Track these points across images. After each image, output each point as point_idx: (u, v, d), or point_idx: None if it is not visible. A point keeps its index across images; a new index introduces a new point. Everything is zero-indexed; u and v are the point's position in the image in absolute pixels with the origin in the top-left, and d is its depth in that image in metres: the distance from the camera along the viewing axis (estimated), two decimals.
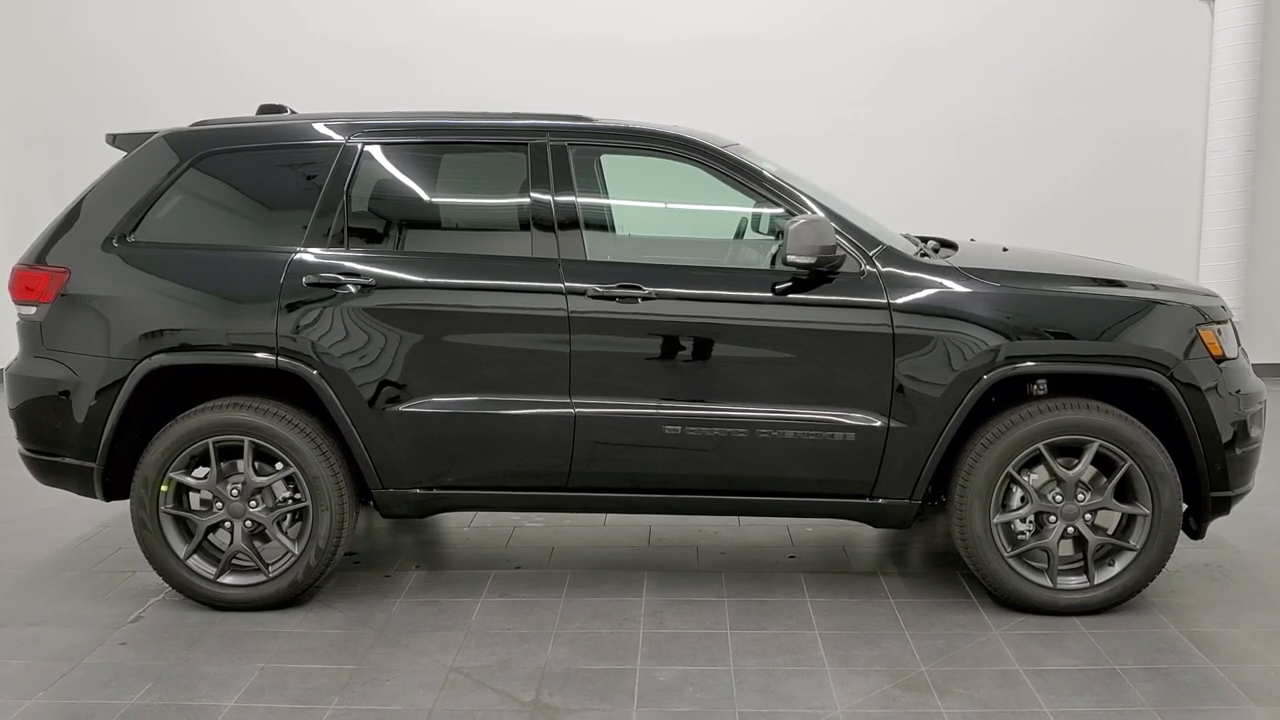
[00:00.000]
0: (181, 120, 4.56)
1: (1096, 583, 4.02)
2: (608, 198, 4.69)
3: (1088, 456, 3.95)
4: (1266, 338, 8.58)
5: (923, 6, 8.65)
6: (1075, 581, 4.05)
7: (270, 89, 7.27)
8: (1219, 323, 4.08)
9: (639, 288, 4.00)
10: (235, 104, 5.58)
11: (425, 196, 4.44)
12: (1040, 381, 4.05)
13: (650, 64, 8.66)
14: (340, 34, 8.75)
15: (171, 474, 4.08)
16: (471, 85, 8.55)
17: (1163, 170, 8.75)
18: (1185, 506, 4.06)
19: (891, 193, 8.22)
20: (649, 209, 5.05)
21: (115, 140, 4.47)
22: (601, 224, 4.57)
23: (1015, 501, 4.04)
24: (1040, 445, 3.94)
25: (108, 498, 4.23)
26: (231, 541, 4.13)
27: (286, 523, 4.16)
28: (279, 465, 4.10)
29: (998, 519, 4.00)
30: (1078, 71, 8.64)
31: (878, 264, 4.02)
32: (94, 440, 4.12)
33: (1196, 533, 4.15)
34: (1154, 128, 8.70)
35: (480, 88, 8.47)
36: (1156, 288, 4.12)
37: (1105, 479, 3.99)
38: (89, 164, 5.46)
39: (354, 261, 4.08)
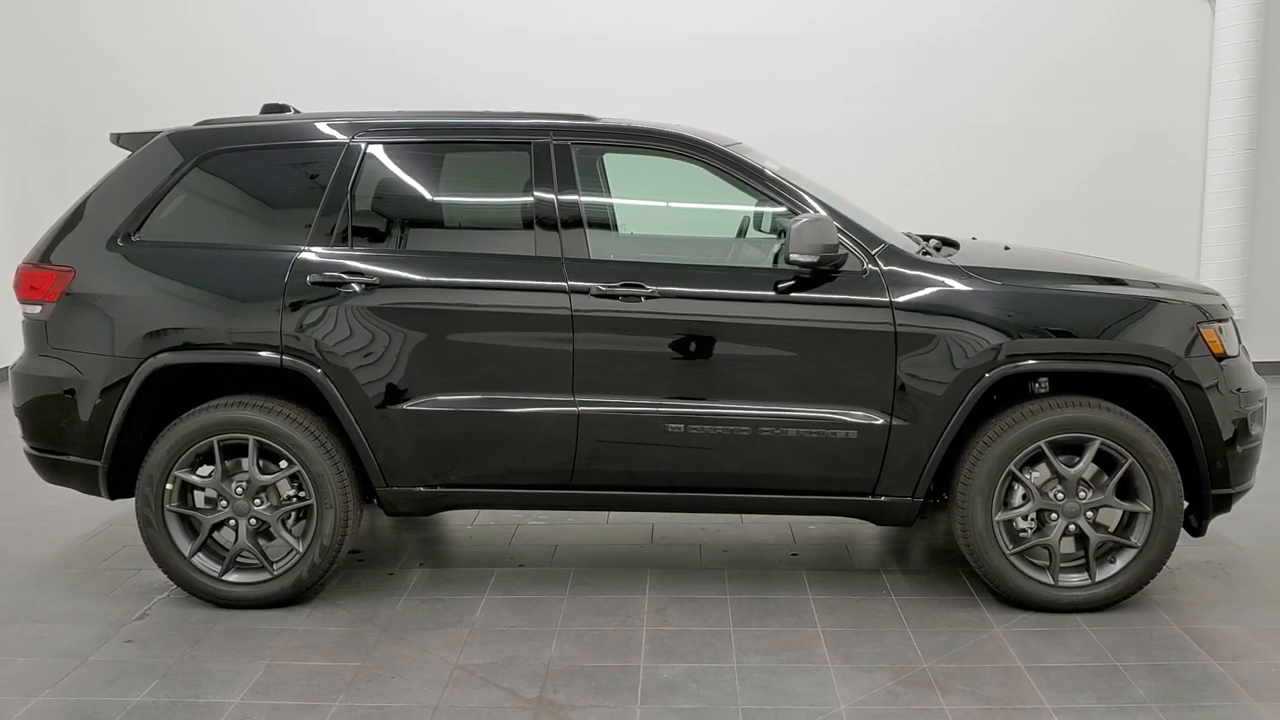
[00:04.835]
0: (185, 119, 4.57)
1: (1098, 580, 4.04)
2: (611, 197, 4.70)
3: (1089, 454, 3.96)
4: (1267, 335, 8.58)
5: (924, 4, 8.65)
6: (1077, 579, 4.06)
7: (274, 87, 7.30)
8: (1220, 321, 4.09)
9: (642, 286, 4.01)
10: (239, 103, 5.59)
11: (429, 195, 4.45)
12: (1042, 379, 4.06)
13: (653, 61, 8.66)
14: (343, 32, 8.76)
15: (176, 472, 4.10)
16: (475, 83, 8.57)
17: (1164, 168, 8.76)
18: (1186, 504, 4.07)
19: (893, 189, 8.24)
20: (652, 208, 5.06)
21: (119, 140, 4.48)
22: (604, 223, 4.58)
23: (1017, 499, 4.05)
24: (1042, 443, 3.96)
25: (113, 496, 4.25)
26: (236, 539, 4.15)
27: (291, 521, 4.17)
28: (283, 463, 4.11)
29: (999, 516, 4.01)
30: (1079, 69, 8.64)
31: (880, 262, 4.04)
32: (99, 438, 4.13)
33: (1198, 530, 4.16)
34: (1155, 125, 8.71)
35: (484, 85, 8.49)
36: (1158, 286, 4.13)
37: (1106, 476, 4.00)
38: (92, 163, 5.49)
39: (358, 260, 4.09)
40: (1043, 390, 4.07)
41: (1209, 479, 4.02)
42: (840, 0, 8.68)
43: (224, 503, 4.13)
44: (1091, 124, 8.68)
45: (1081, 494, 4.00)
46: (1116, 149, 8.72)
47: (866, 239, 4.09)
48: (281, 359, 4.06)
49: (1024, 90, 8.67)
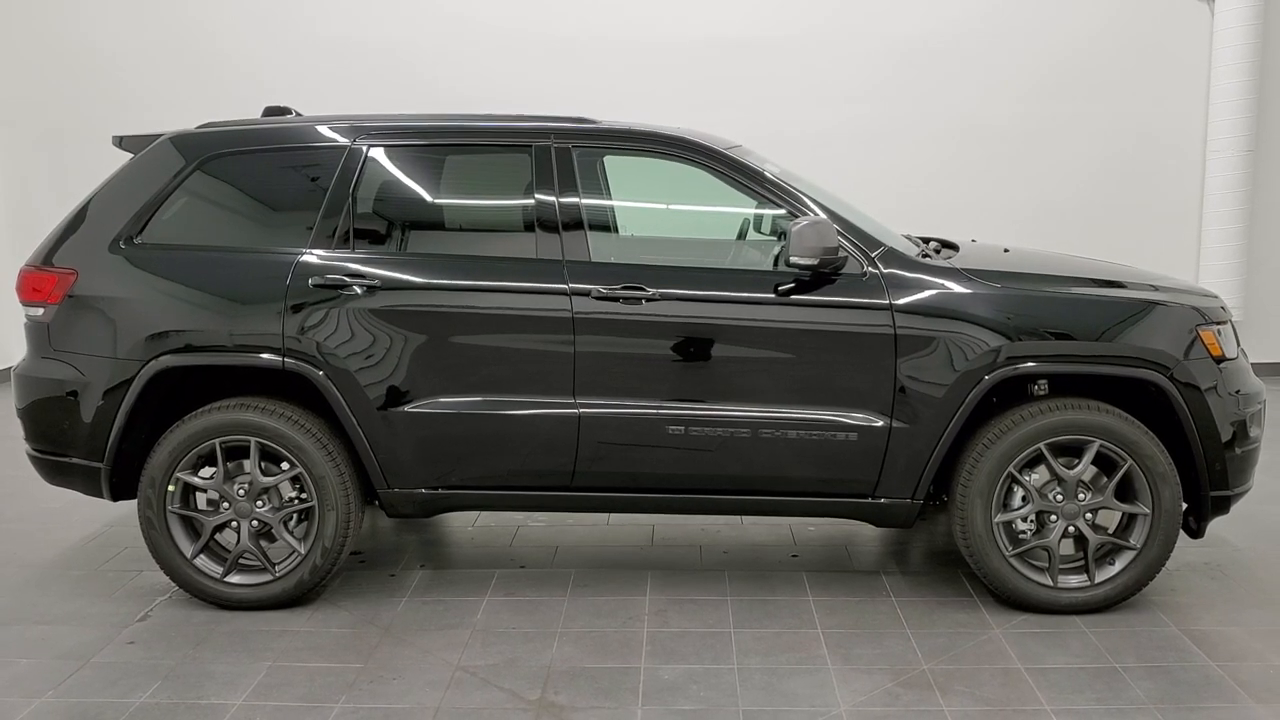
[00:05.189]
0: (187, 121, 4.58)
1: (1097, 581, 4.05)
2: (611, 199, 4.71)
3: (1088, 456, 3.98)
4: (1266, 338, 8.60)
5: (924, 5, 8.66)
6: (1076, 580, 4.07)
7: (274, 88, 7.31)
8: (1219, 323, 4.10)
9: (643, 289, 4.02)
10: (240, 103, 5.61)
11: (430, 198, 4.46)
12: (1041, 382, 4.08)
13: (653, 61, 8.68)
14: (344, 32, 8.76)
15: (178, 474, 4.11)
16: (475, 83, 8.58)
17: (1163, 170, 8.76)
18: (1185, 505, 4.08)
19: (893, 189, 8.26)
20: (652, 210, 5.07)
21: (121, 142, 4.49)
22: (605, 225, 4.59)
23: (1016, 501, 4.07)
24: (1041, 445, 3.97)
25: (115, 498, 4.26)
26: (238, 541, 4.16)
27: (293, 522, 4.18)
28: (285, 465, 4.12)
29: (999, 518, 4.03)
30: (1079, 69, 8.65)
31: (879, 265, 4.05)
32: (101, 440, 4.15)
33: (1196, 532, 4.17)
34: (1154, 127, 8.71)
35: (484, 85, 8.50)
36: (1156, 288, 4.14)
37: (1106, 478, 4.02)
38: (92, 163, 5.50)
39: (359, 263, 4.11)
40: (1042, 392, 4.08)
41: (1208, 481, 4.03)
42: (840, 0, 8.69)
43: (226, 504, 4.14)
44: (1091, 124, 8.70)
45: (1081, 496, 4.01)
46: (1116, 149, 8.73)
47: (866, 241, 4.10)
48: (283, 361, 4.07)
49: (1024, 90, 8.67)
